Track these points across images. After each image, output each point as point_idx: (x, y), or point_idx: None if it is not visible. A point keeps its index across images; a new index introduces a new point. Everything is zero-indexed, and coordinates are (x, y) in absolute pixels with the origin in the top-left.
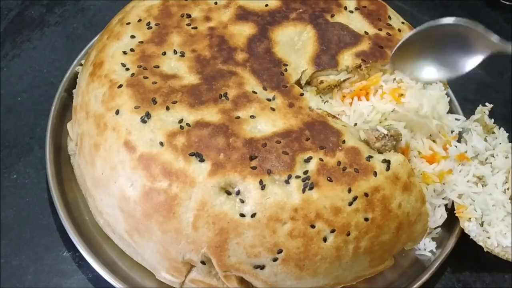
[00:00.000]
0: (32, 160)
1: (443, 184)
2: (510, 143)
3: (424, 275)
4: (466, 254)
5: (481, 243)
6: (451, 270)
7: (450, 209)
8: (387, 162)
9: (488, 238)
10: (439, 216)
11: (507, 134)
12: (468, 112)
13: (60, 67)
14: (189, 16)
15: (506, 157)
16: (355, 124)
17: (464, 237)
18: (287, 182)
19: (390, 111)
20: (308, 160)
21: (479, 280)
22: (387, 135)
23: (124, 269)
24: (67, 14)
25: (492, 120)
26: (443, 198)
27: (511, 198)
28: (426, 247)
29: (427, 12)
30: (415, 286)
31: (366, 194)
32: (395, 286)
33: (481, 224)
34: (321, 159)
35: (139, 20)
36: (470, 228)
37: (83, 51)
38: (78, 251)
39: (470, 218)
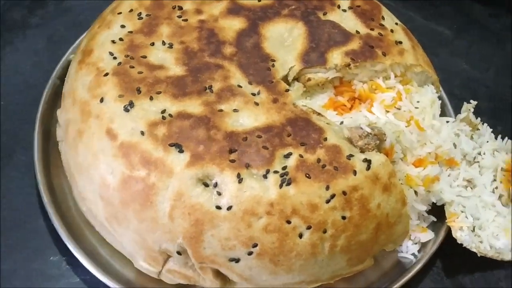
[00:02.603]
0: (17, 164)
1: (429, 192)
2: (497, 140)
3: (403, 277)
4: (455, 249)
5: (474, 250)
6: (441, 266)
7: (435, 215)
8: (368, 161)
9: (481, 242)
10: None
11: (491, 129)
12: (454, 107)
13: (43, 69)
14: (180, 8)
15: (493, 156)
16: (341, 123)
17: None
18: (265, 176)
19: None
20: (287, 155)
21: (468, 275)
22: (370, 133)
23: (104, 257)
24: (49, 15)
25: (479, 119)
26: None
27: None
28: (409, 249)
29: (411, 7)
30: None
31: (344, 193)
32: (376, 286)
33: (473, 229)
34: (301, 156)
35: (131, 10)
36: (463, 238)
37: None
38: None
39: (461, 227)
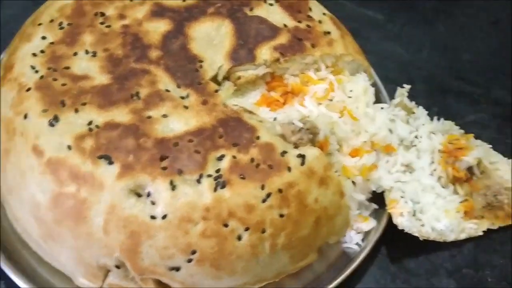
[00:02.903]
0: None
1: (368, 180)
2: (433, 121)
3: (349, 267)
4: (398, 234)
5: (416, 234)
6: (385, 252)
7: (377, 202)
8: (302, 156)
9: (422, 226)
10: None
11: (427, 111)
12: (390, 91)
13: None
14: (103, 14)
15: (430, 138)
16: (275, 119)
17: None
18: (198, 181)
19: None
20: (220, 158)
21: (413, 259)
22: (302, 128)
23: (44, 277)
24: None
25: (413, 102)
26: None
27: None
28: (352, 239)
29: None
30: (341, 277)
31: (280, 190)
32: (324, 278)
33: (414, 214)
34: (234, 157)
35: (51, 21)
36: (404, 224)
37: None
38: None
39: (402, 213)
